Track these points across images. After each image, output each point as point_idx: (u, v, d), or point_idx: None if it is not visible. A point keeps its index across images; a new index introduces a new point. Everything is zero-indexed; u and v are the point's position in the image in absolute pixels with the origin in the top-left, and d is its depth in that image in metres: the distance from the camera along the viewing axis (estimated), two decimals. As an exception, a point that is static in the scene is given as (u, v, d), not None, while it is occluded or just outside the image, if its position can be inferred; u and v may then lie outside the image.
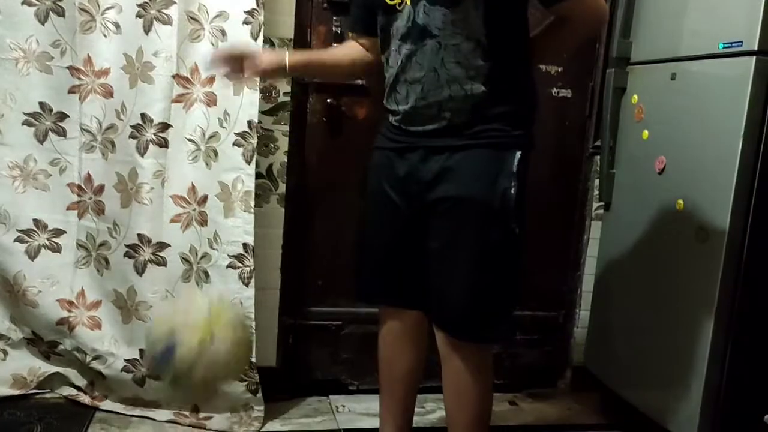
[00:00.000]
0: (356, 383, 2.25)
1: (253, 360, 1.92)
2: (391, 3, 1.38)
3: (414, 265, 1.47)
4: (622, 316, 2.09)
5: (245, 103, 1.88)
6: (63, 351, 1.98)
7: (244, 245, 1.91)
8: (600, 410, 2.24)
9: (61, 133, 1.91)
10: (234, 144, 1.89)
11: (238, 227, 1.91)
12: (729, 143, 1.68)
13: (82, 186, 1.92)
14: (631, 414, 2.00)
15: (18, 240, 1.91)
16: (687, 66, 1.85)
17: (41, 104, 1.89)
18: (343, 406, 2.17)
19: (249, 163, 1.89)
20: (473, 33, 1.31)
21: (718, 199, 1.71)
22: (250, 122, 1.88)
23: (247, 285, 1.92)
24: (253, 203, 1.90)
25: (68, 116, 1.91)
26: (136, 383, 1.96)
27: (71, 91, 1.89)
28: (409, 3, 1.35)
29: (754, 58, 1.63)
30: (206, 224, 1.92)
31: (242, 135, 1.89)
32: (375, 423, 1.72)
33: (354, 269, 1.65)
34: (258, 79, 1.79)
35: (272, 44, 1.96)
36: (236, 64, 1.47)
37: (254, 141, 1.88)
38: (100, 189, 1.92)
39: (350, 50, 1.60)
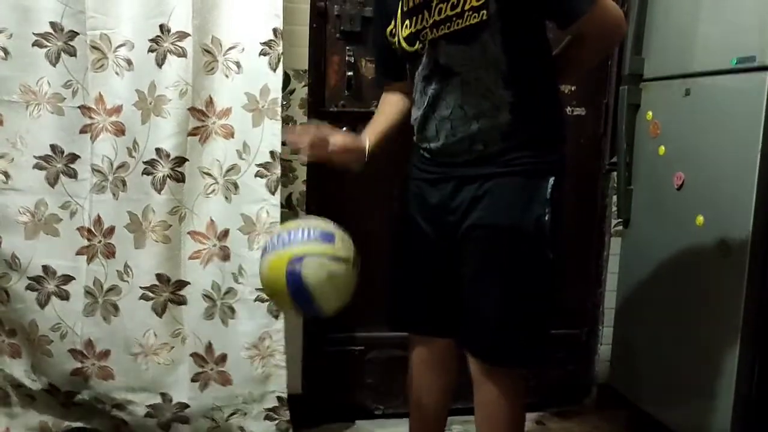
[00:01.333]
0: (381, 407, 2.31)
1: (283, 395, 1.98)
2: (411, 50, 1.45)
3: (445, 293, 1.52)
4: (646, 332, 2.14)
5: (266, 134, 1.93)
6: (81, 401, 1.99)
7: None
8: (627, 428, 2.29)
9: (72, 174, 1.93)
10: (256, 175, 1.93)
11: None
12: (747, 158, 1.73)
13: (92, 229, 1.93)
14: (658, 431, 2.05)
15: (29, 288, 1.93)
16: (701, 81, 1.91)
17: (52, 146, 1.91)
18: (370, 431, 2.22)
19: (273, 193, 1.94)
20: (493, 64, 1.37)
21: (738, 213, 1.76)
22: (272, 153, 1.93)
23: (276, 317, 1.96)
24: None
25: (79, 157, 1.93)
26: (161, 428, 1.98)
27: (83, 131, 1.92)
28: (428, 46, 1.41)
29: None
30: (229, 259, 1.95)
31: (265, 166, 1.93)
32: (401, 446, 1.79)
33: (384, 298, 1.69)
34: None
35: (287, 76, 2.01)
36: (319, 146, 1.47)
37: (278, 171, 1.93)
38: (111, 231, 1.94)
39: (396, 104, 1.64)
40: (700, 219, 1.89)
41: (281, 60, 1.90)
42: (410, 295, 1.60)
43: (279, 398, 2.01)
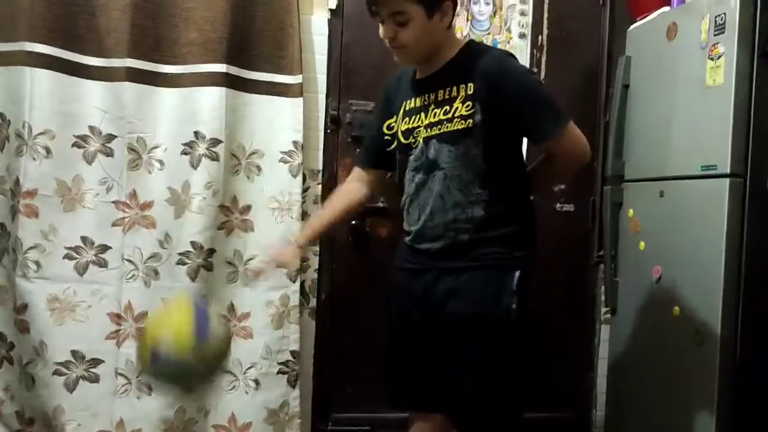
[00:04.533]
0: (387, 486, 2.62)
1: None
2: (406, 142, 1.83)
3: (433, 371, 1.83)
4: (633, 416, 2.49)
5: (287, 231, 2.37)
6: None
7: (292, 352, 2.39)
8: None
9: (103, 264, 2.30)
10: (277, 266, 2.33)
11: (287, 337, 2.38)
12: (714, 254, 2.10)
13: (122, 314, 2.29)
14: None
15: (56, 373, 2.24)
16: (673, 185, 2.33)
17: (83, 238, 2.28)
18: None
19: (294, 281, 2.38)
20: (473, 165, 1.71)
21: (709, 305, 2.11)
22: None
23: (293, 387, 2.40)
24: (298, 315, 2.39)
25: (110, 248, 2.30)
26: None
27: (115, 224, 2.30)
28: (421, 142, 1.78)
29: (728, 180, 2.08)
30: (252, 337, 2.36)
31: None
32: None
33: (382, 377, 2.00)
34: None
35: (303, 175, 2.45)
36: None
37: (297, 262, 2.32)
38: (142, 315, 2.29)
39: (345, 197, 2.02)
40: (677, 309, 2.24)
41: (301, 168, 2.40)
42: (404, 375, 1.92)
43: None
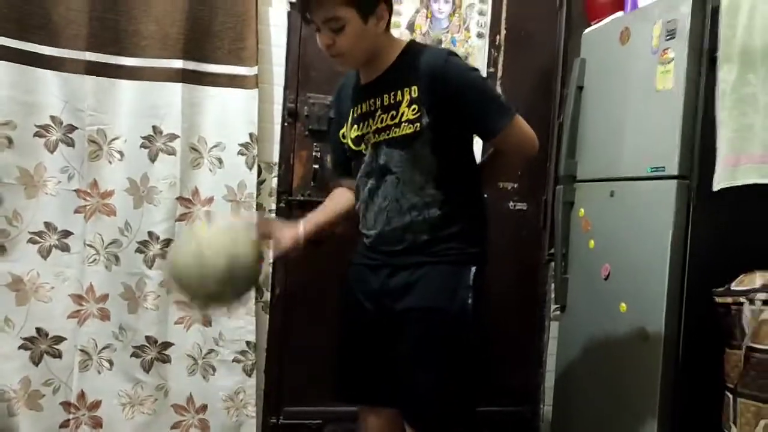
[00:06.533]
0: (336, 480, 2.63)
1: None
2: (357, 149, 1.77)
3: (386, 366, 1.80)
4: (580, 410, 2.49)
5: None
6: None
7: (247, 343, 2.41)
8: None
9: (65, 248, 2.31)
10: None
11: (242, 327, 2.39)
12: (659, 253, 2.11)
13: (84, 296, 2.31)
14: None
15: (22, 347, 2.26)
16: (623, 185, 2.33)
17: (46, 224, 2.28)
18: (325, 504, 2.42)
19: None
20: (425, 167, 1.65)
21: (654, 302, 2.11)
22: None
23: (249, 375, 2.42)
24: (254, 308, 2.40)
25: (72, 233, 2.31)
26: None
27: (77, 211, 2.30)
28: (371, 148, 1.72)
29: (675, 181, 2.08)
30: (210, 325, 2.38)
31: None
32: None
33: (333, 371, 1.93)
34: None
35: (259, 168, 2.41)
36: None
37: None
38: (104, 297, 2.32)
39: (341, 200, 1.89)
40: (624, 306, 2.22)
41: (256, 160, 2.39)
42: (357, 369, 1.89)
43: None
